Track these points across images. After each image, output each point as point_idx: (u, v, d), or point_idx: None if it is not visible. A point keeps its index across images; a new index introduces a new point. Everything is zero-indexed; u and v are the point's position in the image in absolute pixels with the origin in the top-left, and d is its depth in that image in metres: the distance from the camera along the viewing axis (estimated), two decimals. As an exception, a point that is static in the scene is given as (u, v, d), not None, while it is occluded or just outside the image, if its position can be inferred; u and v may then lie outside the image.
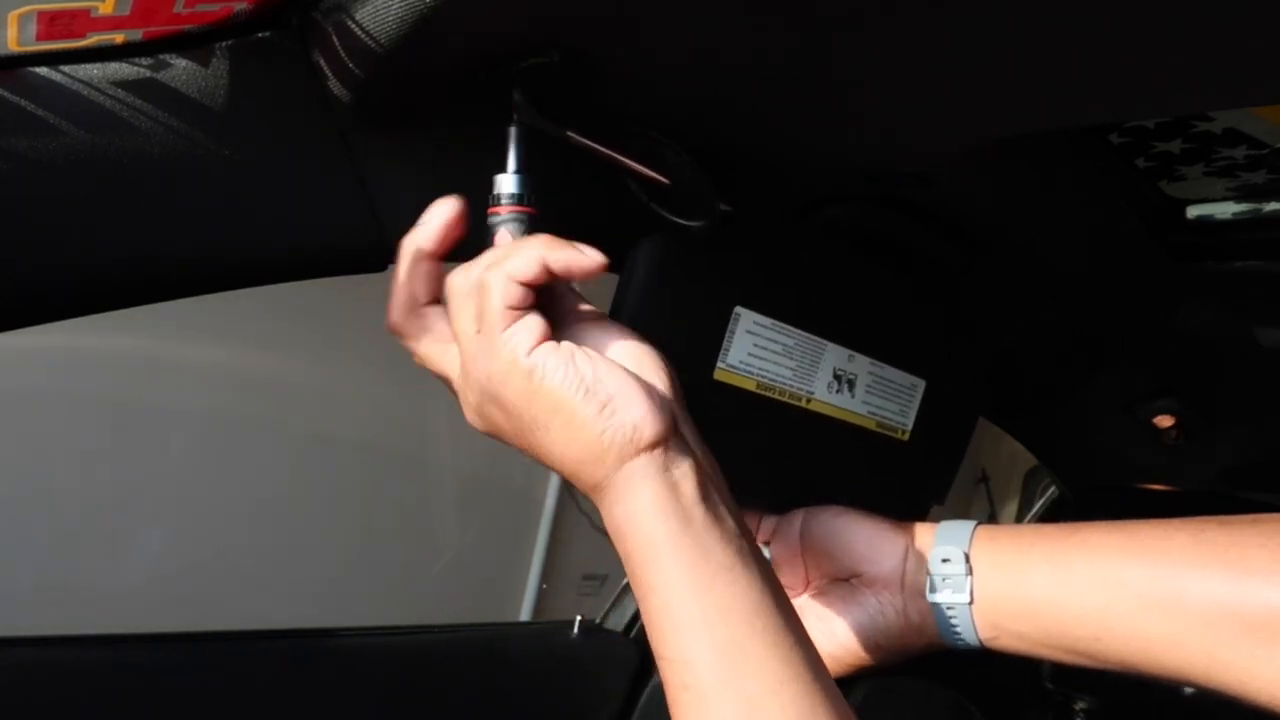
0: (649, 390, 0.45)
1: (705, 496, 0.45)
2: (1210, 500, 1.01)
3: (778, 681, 0.42)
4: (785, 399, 0.63)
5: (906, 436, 0.72)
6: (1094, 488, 1.08)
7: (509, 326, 0.45)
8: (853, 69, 0.49)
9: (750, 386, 0.61)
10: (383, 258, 0.54)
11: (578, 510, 2.05)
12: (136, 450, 1.54)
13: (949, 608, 0.54)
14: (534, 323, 0.45)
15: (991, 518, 2.46)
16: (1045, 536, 0.53)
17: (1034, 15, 0.41)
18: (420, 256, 0.48)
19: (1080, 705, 1.14)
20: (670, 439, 0.45)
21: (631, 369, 0.46)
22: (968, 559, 0.54)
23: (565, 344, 0.45)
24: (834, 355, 0.66)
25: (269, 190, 0.50)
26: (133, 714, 0.80)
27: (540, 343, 0.45)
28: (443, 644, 1.01)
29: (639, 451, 0.44)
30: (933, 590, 0.55)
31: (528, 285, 0.45)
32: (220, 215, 0.49)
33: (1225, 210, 0.73)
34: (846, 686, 0.87)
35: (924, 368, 0.72)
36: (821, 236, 0.69)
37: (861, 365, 0.67)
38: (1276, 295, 0.77)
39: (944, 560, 0.55)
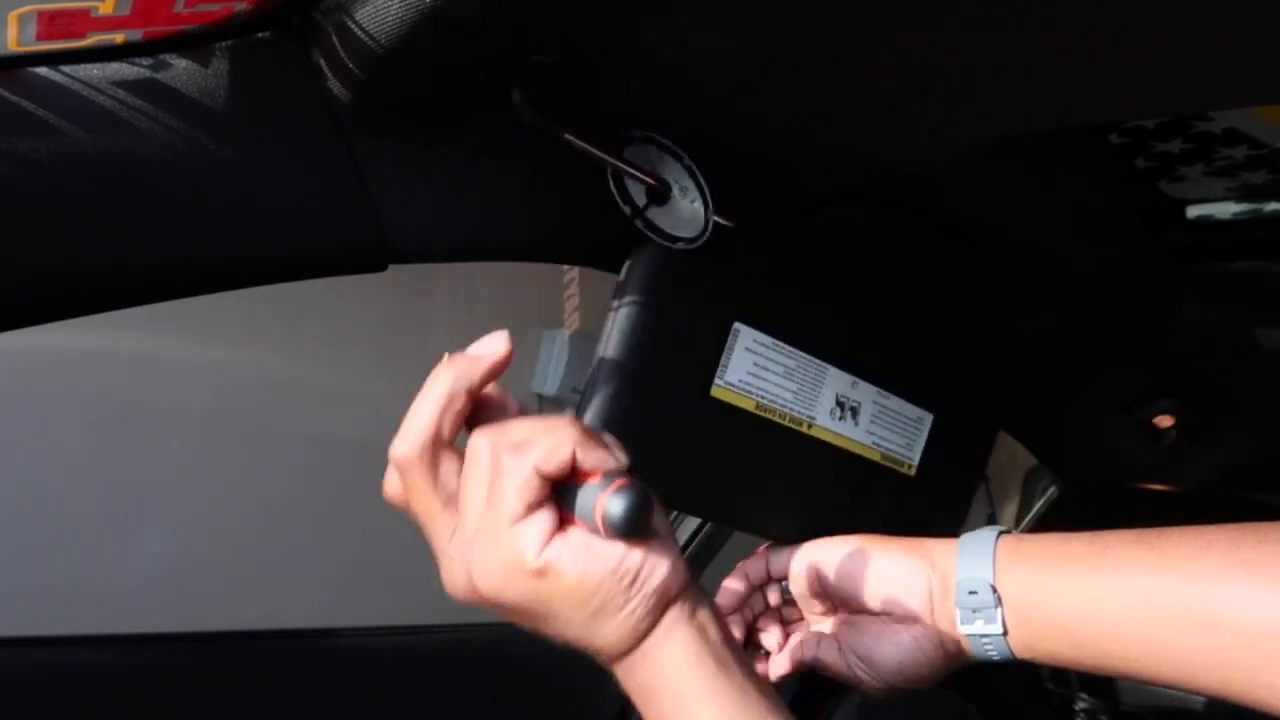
0: (664, 543, 0.43)
1: (727, 635, 0.45)
2: (1210, 500, 1.01)
3: None
4: (786, 422, 0.62)
5: (913, 472, 0.70)
6: (1094, 488, 1.08)
7: (519, 521, 0.42)
8: (854, 69, 0.49)
9: (749, 407, 0.60)
10: (383, 258, 0.54)
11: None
12: (136, 450, 1.54)
13: (983, 636, 0.54)
14: (545, 520, 0.42)
15: (991, 518, 2.46)
16: (1075, 557, 0.52)
17: (1033, 15, 0.41)
18: (459, 390, 0.44)
19: (1080, 705, 1.14)
20: (691, 584, 0.44)
21: None
22: (994, 590, 0.53)
23: (572, 531, 0.42)
24: (837, 380, 0.64)
25: (269, 190, 0.50)
26: (133, 714, 0.80)
27: (549, 540, 0.42)
28: (443, 644, 1.01)
29: (666, 607, 0.43)
30: (964, 622, 0.54)
31: (549, 478, 0.42)
32: (220, 215, 0.49)
33: (1225, 210, 0.73)
34: (845, 688, 0.86)
35: (931, 401, 0.70)
36: (825, 253, 0.68)
37: (866, 393, 0.66)
38: (1276, 295, 0.77)
39: (971, 593, 0.53)
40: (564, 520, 0.43)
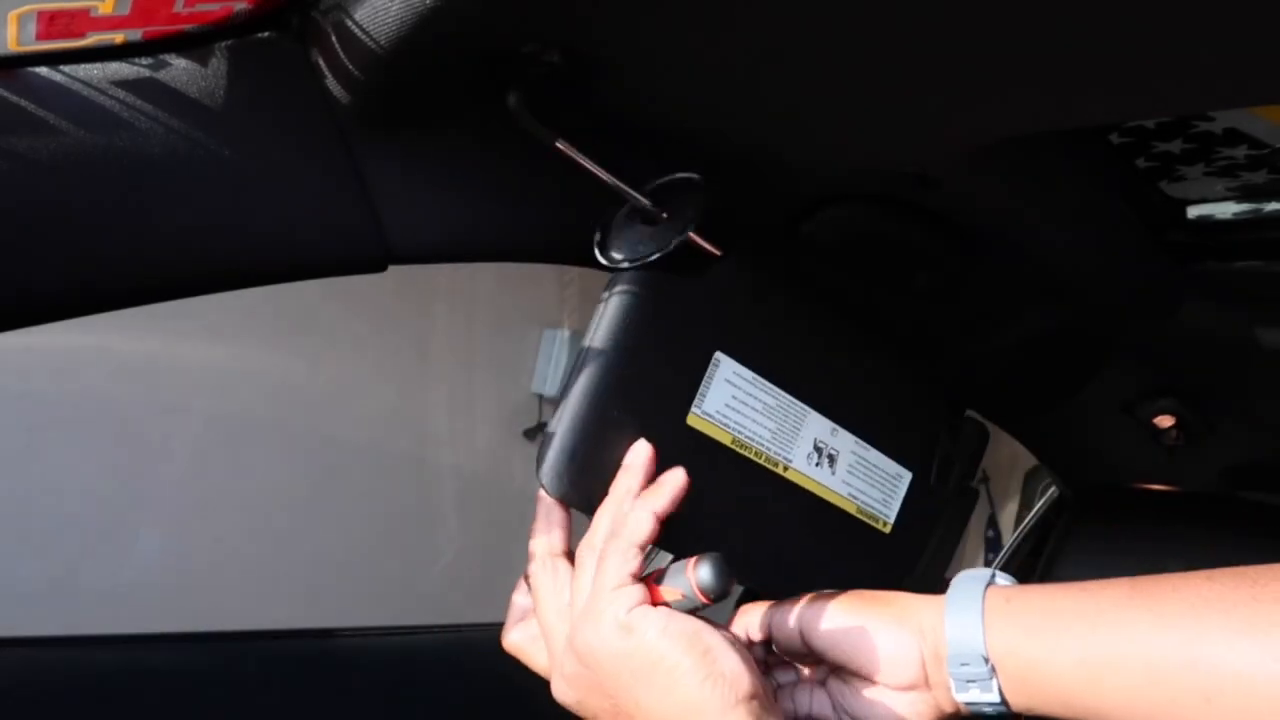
0: (741, 648, 0.49)
1: None
2: (1210, 500, 1.01)
3: None
4: (762, 461, 0.60)
5: (888, 529, 0.68)
6: (1094, 488, 1.08)
7: (618, 589, 0.49)
8: (852, 69, 0.49)
9: (725, 440, 0.58)
10: (383, 258, 0.54)
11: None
12: (136, 450, 1.54)
13: (980, 704, 0.53)
14: (639, 589, 0.49)
15: (991, 518, 2.46)
16: (1068, 618, 0.51)
17: (1035, 14, 0.41)
18: (552, 504, 0.55)
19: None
20: (764, 695, 0.48)
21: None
22: (986, 660, 0.52)
23: (661, 606, 0.49)
24: (816, 425, 0.62)
25: (269, 190, 0.50)
26: (133, 714, 0.80)
27: (639, 605, 0.48)
28: (443, 644, 1.01)
29: (739, 702, 0.46)
30: (959, 691, 0.53)
31: (644, 547, 0.50)
32: (220, 215, 0.49)
33: (1225, 210, 0.73)
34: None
35: (911, 460, 0.69)
36: (812, 289, 0.66)
37: (844, 442, 0.64)
38: (1277, 295, 0.77)
39: (963, 664, 0.53)
40: (656, 602, 0.50)
